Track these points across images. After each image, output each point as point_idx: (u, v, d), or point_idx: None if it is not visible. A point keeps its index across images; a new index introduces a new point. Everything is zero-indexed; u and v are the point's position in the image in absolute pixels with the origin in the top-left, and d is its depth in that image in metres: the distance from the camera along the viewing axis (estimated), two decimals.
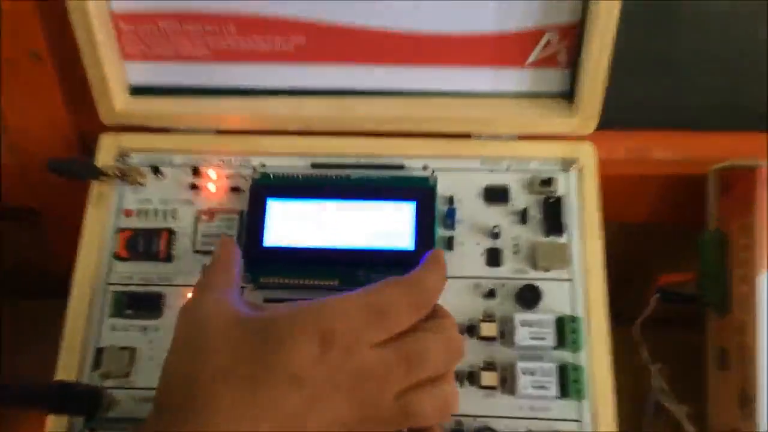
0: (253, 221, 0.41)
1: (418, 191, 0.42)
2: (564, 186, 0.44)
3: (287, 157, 0.45)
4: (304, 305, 0.29)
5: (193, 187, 0.45)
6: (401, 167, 0.45)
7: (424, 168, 0.45)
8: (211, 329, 0.29)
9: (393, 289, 0.30)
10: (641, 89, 0.52)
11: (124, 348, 0.40)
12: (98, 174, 0.44)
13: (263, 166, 0.45)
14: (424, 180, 0.43)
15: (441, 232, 0.43)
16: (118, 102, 0.45)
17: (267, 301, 0.41)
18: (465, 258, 0.42)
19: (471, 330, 0.41)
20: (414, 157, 0.45)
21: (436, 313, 0.31)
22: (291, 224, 0.41)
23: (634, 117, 0.50)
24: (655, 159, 0.50)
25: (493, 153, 0.44)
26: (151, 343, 0.41)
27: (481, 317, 0.41)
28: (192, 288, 0.41)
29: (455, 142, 0.45)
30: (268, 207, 0.42)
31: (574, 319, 0.40)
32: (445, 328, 0.31)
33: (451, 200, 0.44)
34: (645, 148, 0.50)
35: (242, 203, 0.44)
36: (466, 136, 0.45)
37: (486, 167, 0.44)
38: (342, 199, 0.42)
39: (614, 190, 0.43)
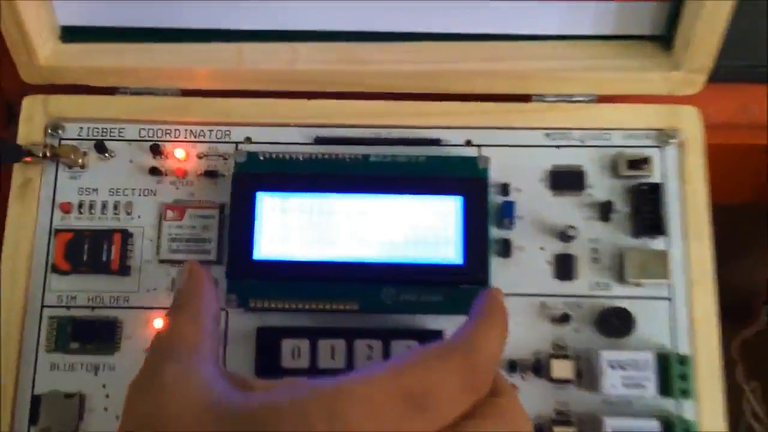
0: (238, 224, 0.32)
1: (466, 181, 0.32)
2: (660, 168, 0.35)
3: (280, 128, 0.36)
4: (313, 391, 0.22)
5: (154, 171, 0.35)
6: (437, 142, 0.35)
7: (468, 143, 0.35)
8: (172, 426, 0.22)
9: (437, 365, 0.23)
10: (742, 28, 0.41)
11: (69, 395, 0.33)
12: (20, 155, 0.35)
13: (248, 141, 0.36)
14: (472, 163, 0.33)
15: (494, 232, 0.34)
16: (43, 51, 0.36)
17: (261, 331, 0.33)
18: (526, 268, 0.34)
19: (538, 369, 0.32)
20: (454, 128, 0.36)
21: (494, 389, 0.24)
22: (290, 227, 0.32)
23: (731, 66, 0.40)
24: (764, 123, 0.41)
25: (562, 121, 0.36)
26: (106, 387, 0.33)
27: (550, 351, 0.32)
28: (157, 313, 0.33)
29: (510, 107, 0.36)
30: (258, 204, 0.32)
31: (683, 359, 0.30)
32: (508, 410, 0.24)
33: (505, 189, 0.35)
34: (749, 108, 0.41)
35: (222, 193, 0.35)
36: (525, 98, 0.37)
37: (552, 141, 0.35)
38: (360, 193, 0.32)
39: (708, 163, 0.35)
